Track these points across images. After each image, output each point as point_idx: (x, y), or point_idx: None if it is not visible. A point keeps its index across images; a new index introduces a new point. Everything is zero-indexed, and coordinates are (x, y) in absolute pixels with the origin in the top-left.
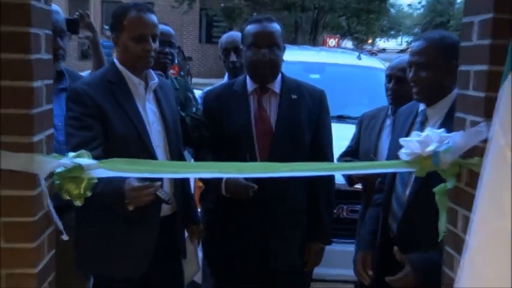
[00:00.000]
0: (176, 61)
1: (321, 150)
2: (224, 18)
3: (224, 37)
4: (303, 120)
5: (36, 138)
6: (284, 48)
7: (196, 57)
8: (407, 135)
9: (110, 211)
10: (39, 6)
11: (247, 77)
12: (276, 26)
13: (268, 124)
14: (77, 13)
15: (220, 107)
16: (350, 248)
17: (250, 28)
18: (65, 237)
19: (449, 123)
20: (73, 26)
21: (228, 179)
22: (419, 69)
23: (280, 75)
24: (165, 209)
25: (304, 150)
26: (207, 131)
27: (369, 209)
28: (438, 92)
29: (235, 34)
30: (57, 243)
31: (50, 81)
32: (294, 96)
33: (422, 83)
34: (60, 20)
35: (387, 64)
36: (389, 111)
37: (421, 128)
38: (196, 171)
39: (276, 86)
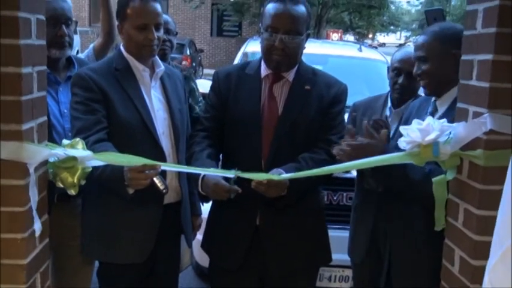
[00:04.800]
0: (188, 52)
1: (324, 143)
2: (234, 12)
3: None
4: (311, 112)
5: (25, 126)
6: (308, 35)
7: (207, 49)
8: None
9: (114, 195)
10: None
11: (262, 61)
12: (300, 9)
13: (275, 113)
14: None
15: (228, 88)
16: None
17: (270, 7)
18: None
19: (451, 113)
20: None
21: (206, 178)
22: (421, 62)
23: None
24: (170, 197)
25: (307, 142)
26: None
27: None
28: (445, 83)
29: None
30: (62, 230)
31: (43, 68)
32: (307, 87)
33: (426, 76)
34: (66, 7)
35: (388, 57)
36: (389, 103)
37: None
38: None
39: (291, 74)
